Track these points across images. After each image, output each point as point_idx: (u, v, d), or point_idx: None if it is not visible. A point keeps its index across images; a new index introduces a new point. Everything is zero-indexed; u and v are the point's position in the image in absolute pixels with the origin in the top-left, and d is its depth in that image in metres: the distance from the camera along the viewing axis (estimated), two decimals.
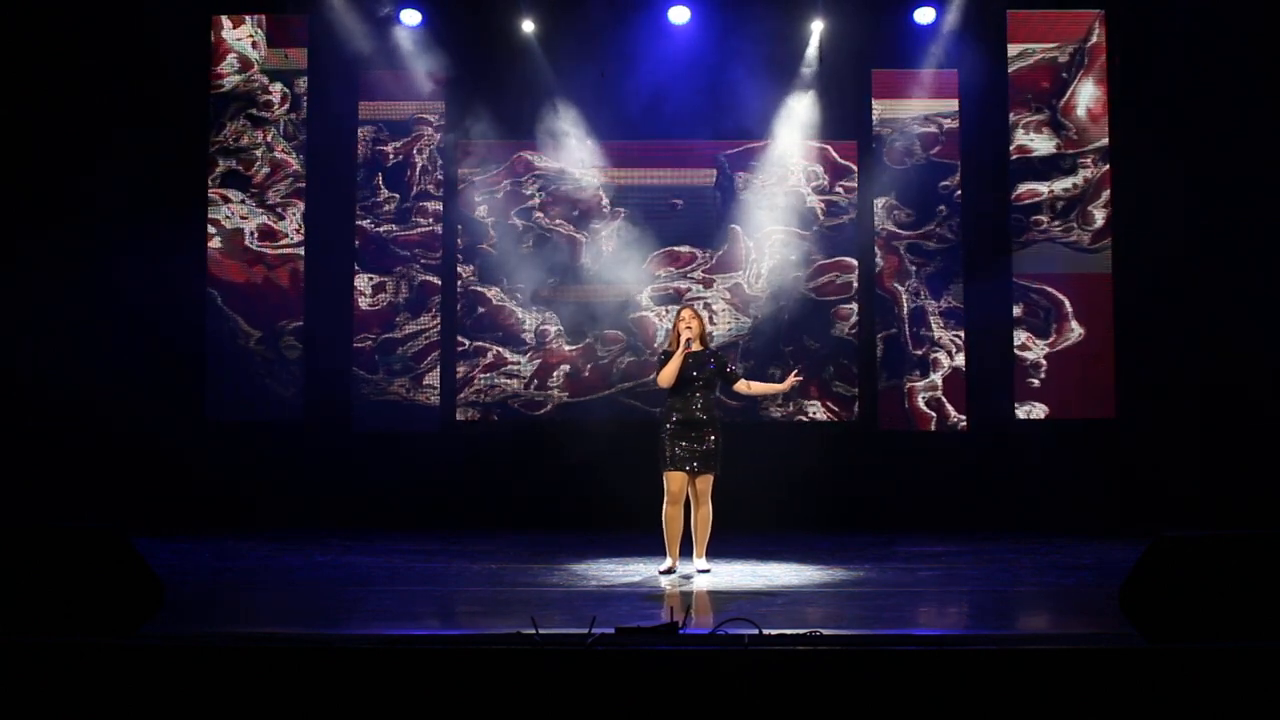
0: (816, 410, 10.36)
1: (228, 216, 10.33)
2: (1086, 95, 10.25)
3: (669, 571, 7.15)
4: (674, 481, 7.15)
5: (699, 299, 10.30)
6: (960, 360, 10.28)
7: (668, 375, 7.23)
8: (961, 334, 10.31)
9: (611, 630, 4.32)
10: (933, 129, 10.42)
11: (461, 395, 10.40)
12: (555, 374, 10.41)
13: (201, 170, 10.33)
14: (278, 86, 10.40)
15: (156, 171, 10.11)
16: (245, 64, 10.38)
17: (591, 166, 10.44)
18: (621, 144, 10.42)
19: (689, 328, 7.25)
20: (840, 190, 10.48)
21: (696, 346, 7.29)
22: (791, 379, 7.46)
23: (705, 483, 7.18)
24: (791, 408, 10.33)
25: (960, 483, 10.06)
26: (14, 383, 9.77)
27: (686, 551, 7.27)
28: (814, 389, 10.35)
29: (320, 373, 10.26)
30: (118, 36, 10.05)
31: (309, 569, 7.60)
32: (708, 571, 7.14)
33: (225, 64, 10.37)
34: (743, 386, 7.49)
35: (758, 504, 9.37)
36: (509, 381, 10.41)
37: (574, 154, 10.41)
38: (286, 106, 10.40)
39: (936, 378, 10.29)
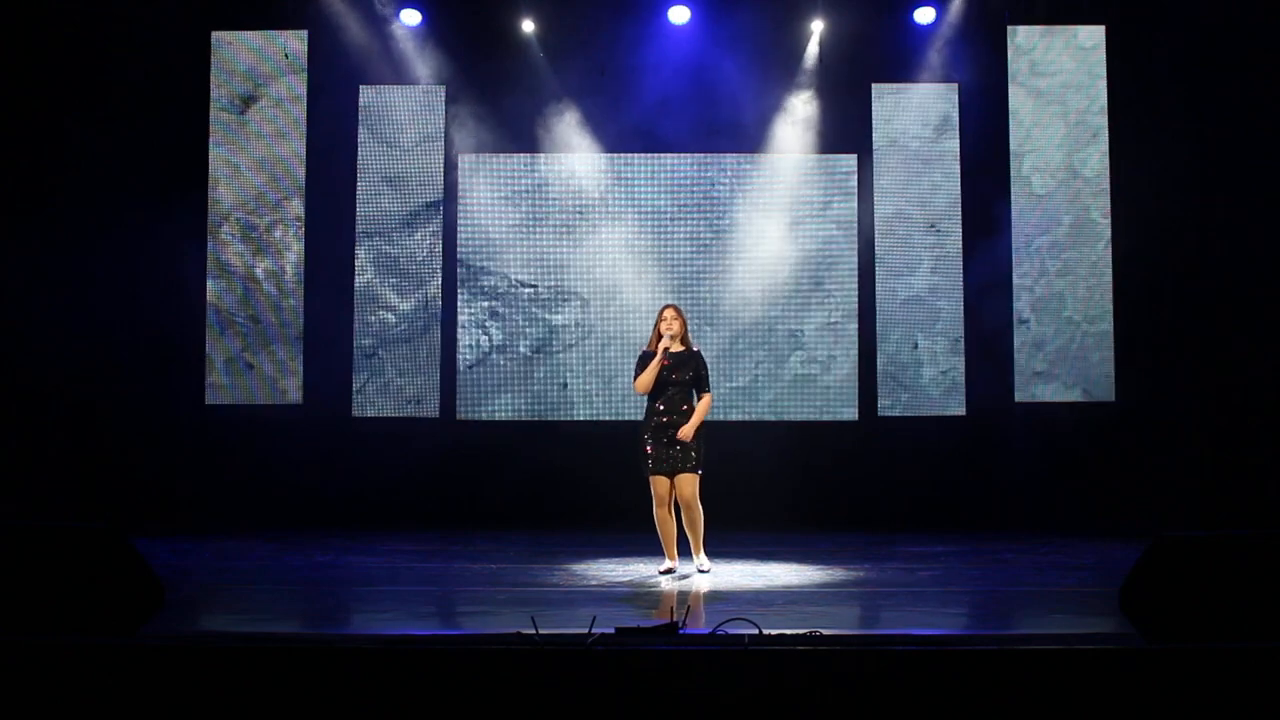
0: (817, 410, 10.36)
1: (227, 212, 10.33)
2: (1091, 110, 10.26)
3: (669, 572, 7.15)
4: (658, 485, 7.13)
5: (696, 299, 10.30)
6: (960, 360, 10.28)
7: (644, 382, 7.17)
8: (962, 333, 10.31)
9: (611, 630, 4.31)
10: (933, 134, 10.42)
11: (461, 394, 10.40)
12: (554, 373, 10.41)
13: (202, 160, 10.31)
14: (279, 83, 10.38)
15: (157, 161, 10.14)
16: (246, 61, 10.38)
17: (590, 166, 10.43)
18: (621, 143, 10.41)
19: (670, 327, 7.18)
20: (840, 191, 10.47)
21: (677, 347, 7.23)
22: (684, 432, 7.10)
23: (685, 483, 7.08)
24: (791, 413, 10.36)
25: (960, 483, 10.10)
26: (13, 380, 9.78)
27: (685, 550, 7.27)
28: (815, 389, 10.38)
29: (320, 371, 10.27)
30: (120, 33, 10.05)
31: (309, 569, 7.60)
32: (708, 571, 7.13)
33: (227, 61, 10.37)
34: (699, 401, 7.22)
35: (758, 504, 9.38)
36: (508, 381, 10.41)
37: (573, 153, 10.41)
38: (288, 102, 10.38)
39: (936, 378, 10.30)
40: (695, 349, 7.37)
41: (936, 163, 10.40)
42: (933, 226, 10.33)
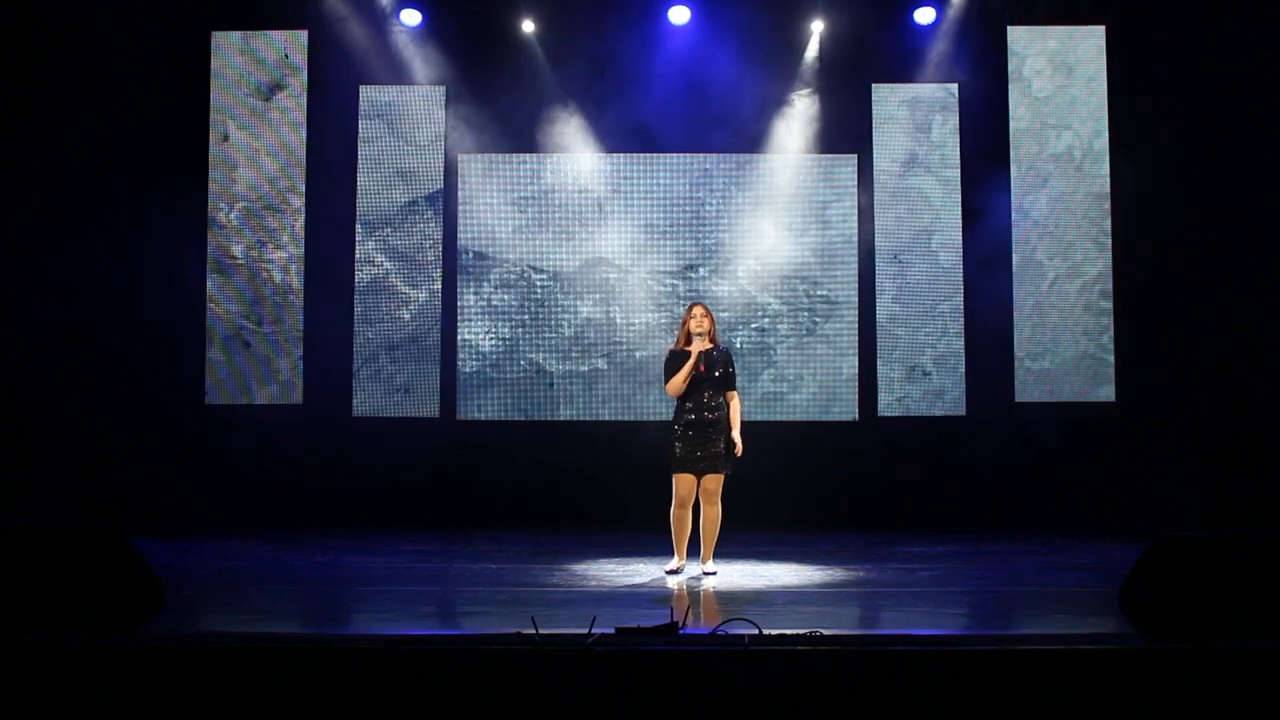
0: (817, 410, 10.36)
1: (228, 209, 10.33)
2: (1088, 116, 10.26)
3: (676, 571, 7.13)
4: (682, 484, 7.08)
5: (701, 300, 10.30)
6: (960, 360, 10.28)
7: (677, 385, 7.10)
8: (962, 334, 10.31)
9: (611, 630, 4.31)
10: (933, 135, 10.42)
11: (462, 394, 10.40)
12: (554, 373, 10.41)
13: (202, 160, 10.31)
14: (280, 82, 10.38)
15: (157, 161, 10.14)
16: (247, 61, 10.38)
17: (591, 167, 10.43)
18: (621, 144, 10.41)
19: (699, 326, 7.12)
20: (840, 193, 10.47)
21: (706, 345, 7.18)
22: (738, 446, 7.16)
23: (714, 481, 7.06)
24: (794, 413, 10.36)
25: (960, 483, 10.09)
26: (12, 380, 9.77)
27: (694, 552, 7.26)
28: (815, 390, 10.38)
29: (320, 371, 10.27)
30: (120, 33, 10.05)
31: (309, 569, 7.60)
32: (714, 574, 7.07)
33: (227, 60, 10.37)
34: (730, 397, 7.21)
35: (758, 504, 9.37)
36: (509, 381, 10.41)
37: (573, 154, 10.41)
38: (288, 102, 10.38)
39: (936, 378, 10.30)
40: (723, 346, 7.33)
41: (935, 168, 10.40)
42: (895, 258, 10.34)
